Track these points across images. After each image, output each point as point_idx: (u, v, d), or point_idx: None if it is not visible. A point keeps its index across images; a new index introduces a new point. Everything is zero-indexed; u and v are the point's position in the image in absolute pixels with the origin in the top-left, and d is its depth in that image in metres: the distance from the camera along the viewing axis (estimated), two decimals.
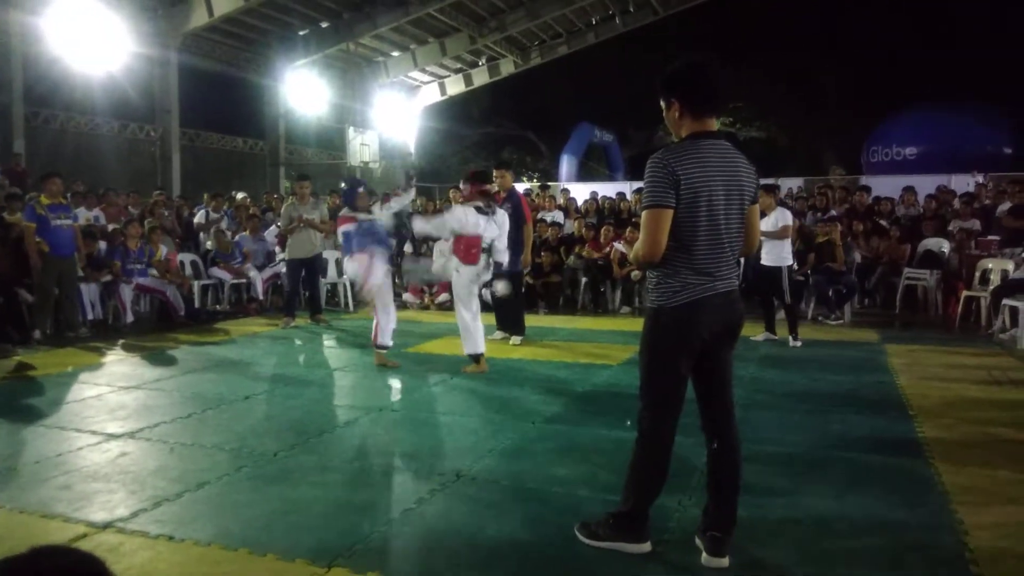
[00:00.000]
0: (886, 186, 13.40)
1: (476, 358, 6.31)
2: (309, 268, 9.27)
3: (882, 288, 10.31)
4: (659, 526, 3.04)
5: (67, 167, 11.20)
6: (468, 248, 6.08)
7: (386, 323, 6.62)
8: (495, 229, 6.24)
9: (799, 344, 7.51)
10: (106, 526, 3.17)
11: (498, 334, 7.89)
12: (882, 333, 8.28)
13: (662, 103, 2.84)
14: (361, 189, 6.80)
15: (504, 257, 6.47)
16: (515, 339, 7.79)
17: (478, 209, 6.10)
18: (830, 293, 9.31)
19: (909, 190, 12.03)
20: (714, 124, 2.81)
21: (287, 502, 3.45)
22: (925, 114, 18.99)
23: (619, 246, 10.22)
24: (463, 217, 6.04)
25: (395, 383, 6.12)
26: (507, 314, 7.90)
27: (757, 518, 3.19)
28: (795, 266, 8.36)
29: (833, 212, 11.40)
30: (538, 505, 3.43)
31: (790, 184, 15.98)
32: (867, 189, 12.05)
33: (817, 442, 4.38)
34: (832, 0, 24.62)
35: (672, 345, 2.78)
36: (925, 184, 12.95)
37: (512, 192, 7.78)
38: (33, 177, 10.93)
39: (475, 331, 6.25)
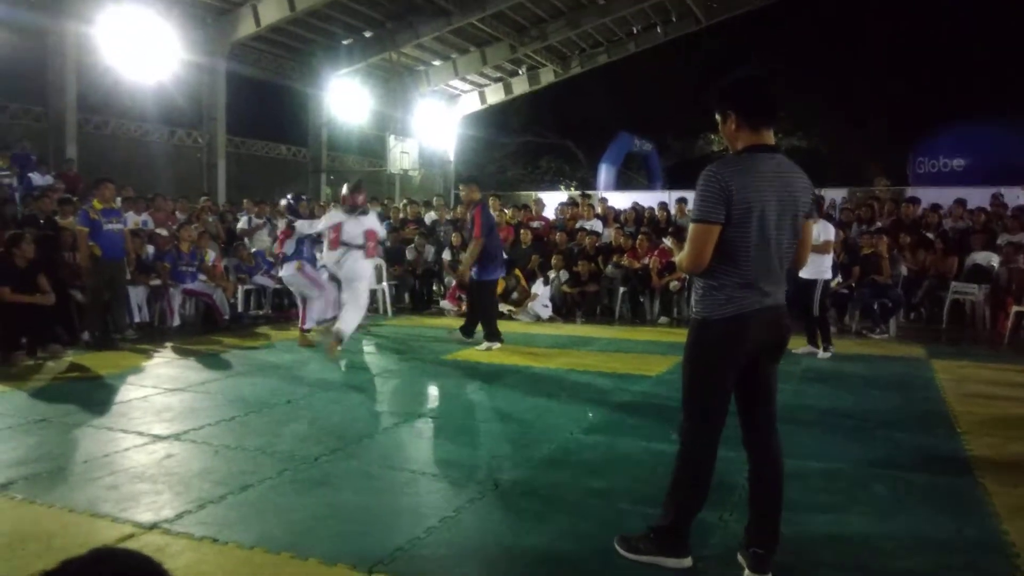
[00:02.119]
0: (932, 197, 13.11)
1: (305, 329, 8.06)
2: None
3: (929, 302, 10.09)
4: (700, 541, 3.01)
5: (117, 172, 11.49)
6: (334, 240, 7.61)
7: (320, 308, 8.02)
8: (357, 226, 7.62)
9: (829, 355, 7.39)
10: (152, 527, 3.25)
11: (484, 344, 7.97)
12: (929, 348, 8.10)
13: (717, 116, 2.81)
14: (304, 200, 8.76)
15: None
16: (494, 345, 7.97)
17: (346, 211, 7.68)
18: (875, 307, 9.14)
19: (959, 202, 11.76)
20: (771, 137, 2.77)
21: (329, 507, 3.49)
22: (973, 125, 18.53)
23: (668, 242, 9.88)
24: (326, 218, 7.92)
25: (434, 390, 6.16)
26: (482, 321, 8.18)
27: (800, 535, 3.14)
28: (839, 279, 8.22)
29: (879, 224, 11.20)
30: (577, 517, 3.42)
31: (833, 195, 15.72)
32: (915, 201, 11.81)
33: (862, 459, 4.29)
34: (877, 7, 24.22)
35: (717, 358, 2.76)
36: (973, 196, 12.64)
37: (479, 204, 8.00)
38: (85, 182, 11.25)
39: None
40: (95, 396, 5.82)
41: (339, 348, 7.29)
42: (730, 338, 2.72)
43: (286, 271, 8.05)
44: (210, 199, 13.43)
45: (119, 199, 9.87)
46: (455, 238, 11.41)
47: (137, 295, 8.99)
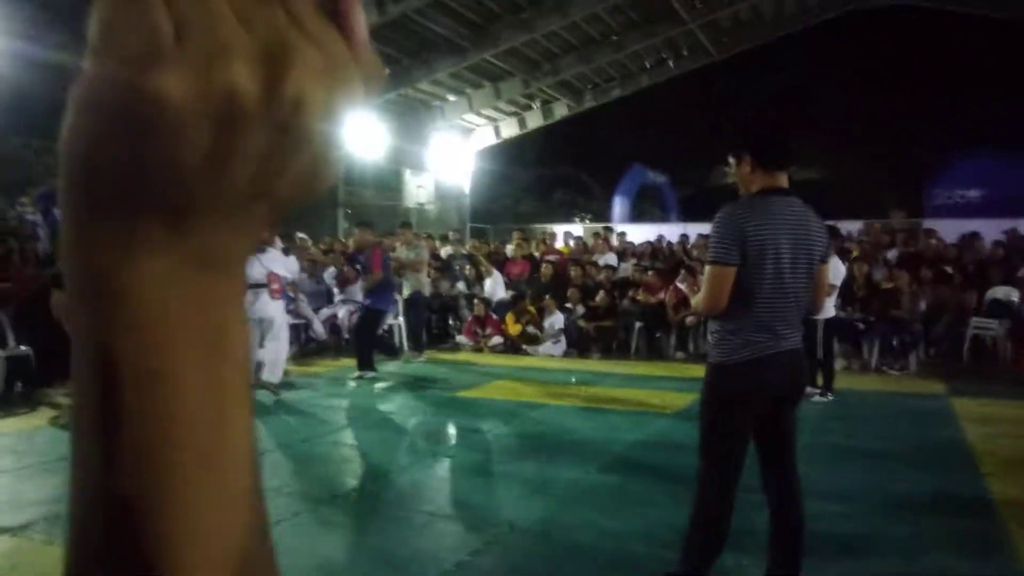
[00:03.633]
0: (948, 229, 13.04)
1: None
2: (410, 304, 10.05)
3: (949, 338, 9.98)
4: None
5: None
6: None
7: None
8: (260, 267, 6.98)
9: (827, 400, 7.11)
10: None
11: (356, 374, 8.26)
12: (949, 385, 7.99)
13: (731, 158, 2.84)
14: None
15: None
16: (367, 374, 8.22)
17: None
18: (894, 342, 9.05)
19: (975, 235, 11.70)
20: (785, 180, 2.79)
21: (343, 550, 3.49)
22: (989, 156, 18.50)
23: (683, 286, 9.96)
24: None
25: (449, 428, 6.15)
26: (358, 348, 8.52)
27: None
28: (852, 312, 8.12)
29: (893, 252, 11.13)
30: (592, 561, 3.40)
31: (848, 227, 15.67)
32: (932, 233, 11.76)
33: (881, 500, 4.24)
34: (888, 38, 24.35)
35: (733, 403, 2.75)
36: (990, 229, 12.55)
37: (375, 245, 8.60)
38: None
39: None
40: None
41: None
42: (746, 383, 2.71)
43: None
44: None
45: None
46: (469, 271, 11.55)
47: None
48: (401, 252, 9.97)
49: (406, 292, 9.98)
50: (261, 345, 7.11)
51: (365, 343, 8.47)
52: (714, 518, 2.82)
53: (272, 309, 7.12)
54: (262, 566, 0.31)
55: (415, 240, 10.36)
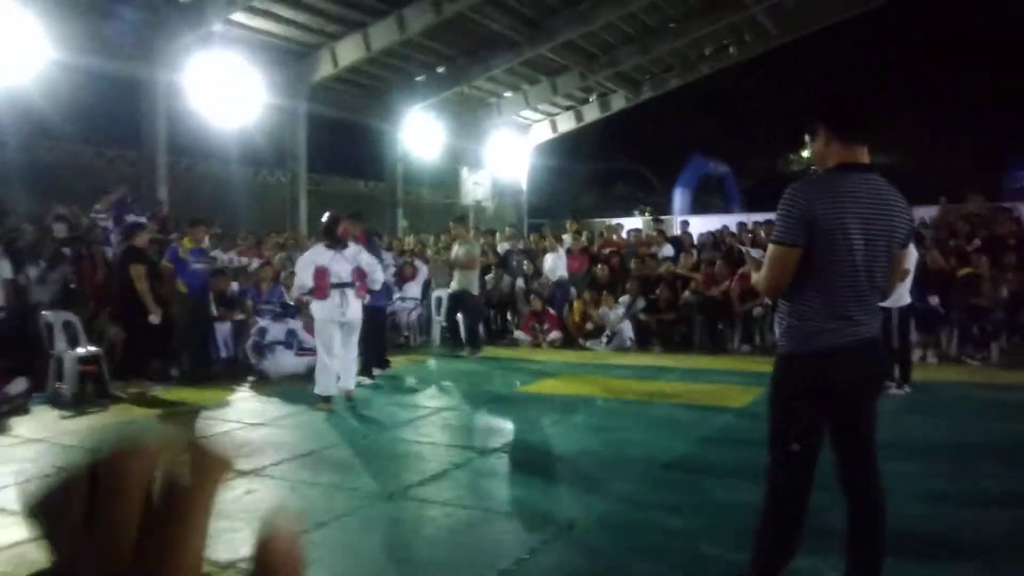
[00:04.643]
0: None
1: (324, 399, 6.45)
2: (450, 302, 9.95)
3: None
4: None
5: (204, 211, 11.95)
6: (320, 284, 6.34)
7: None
8: (345, 264, 6.45)
9: (903, 392, 6.75)
10: (228, 566, 3.25)
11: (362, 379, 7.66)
12: None
13: (807, 133, 2.63)
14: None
15: (376, 285, 6.85)
16: (376, 372, 8.00)
17: (327, 245, 6.47)
18: (975, 331, 8.59)
19: None
20: (865, 155, 2.54)
21: (399, 546, 3.44)
22: None
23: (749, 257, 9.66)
24: (308, 255, 6.61)
25: (508, 423, 6.08)
26: (365, 350, 7.70)
27: None
28: (929, 299, 7.72)
29: (977, 242, 10.57)
30: (657, 561, 3.26)
31: (922, 213, 14.98)
32: (1017, 219, 11.13)
33: (967, 499, 3.98)
34: (960, 15, 23.22)
35: (804, 396, 2.54)
36: None
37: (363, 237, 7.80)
38: (173, 221, 11.74)
39: (326, 371, 6.43)
40: None
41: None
42: (818, 374, 2.51)
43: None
44: (292, 235, 13.83)
45: (207, 239, 10.24)
46: (527, 267, 11.46)
47: (222, 331, 9.25)
48: (453, 249, 9.94)
49: (453, 288, 9.87)
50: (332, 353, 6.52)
51: (373, 343, 7.93)
52: (786, 518, 2.65)
53: (357, 310, 6.61)
54: None
55: (467, 236, 10.29)
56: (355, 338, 6.68)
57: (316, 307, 6.50)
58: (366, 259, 6.74)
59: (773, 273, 2.52)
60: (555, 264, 11.50)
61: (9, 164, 11.23)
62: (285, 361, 8.54)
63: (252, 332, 8.77)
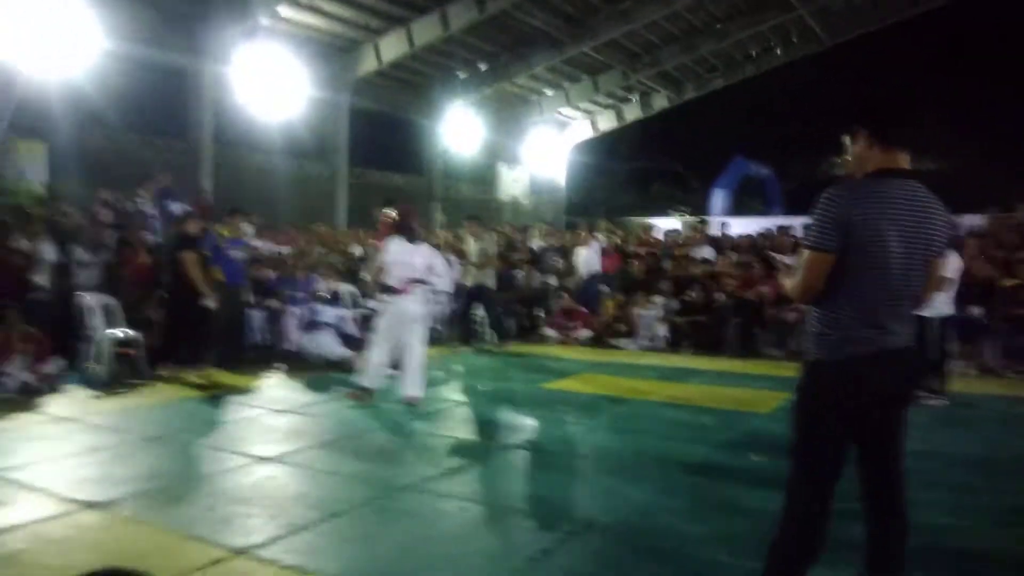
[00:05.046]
0: None
1: (365, 390, 6.42)
2: (471, 296, 10.02)
3: None
4: None
5: (247, 202, 12.13)
6: (400, 278, 6.29)
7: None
8: (420, 260, 6.41)
9: (940, 403, 6.52)
10: (241, 552, 3.30)
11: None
12: None
13: (846, 136, 2.55)
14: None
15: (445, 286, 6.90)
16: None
17: (407, 239, 6.41)
18: (1018, 343, 8.32)
19: None
20: (905, 161, 2.48)
21: (413, 539, 3.45)
22: None
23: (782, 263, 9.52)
24: (394, 247, 6.41)
25: (529, 421, 6.06)
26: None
27: None
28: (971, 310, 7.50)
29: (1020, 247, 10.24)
30: (672, 566, 3.22)
31: (970, 221, 14.57)
32: None
33: (998, 515, 3.85)
34: (1010, 20, 22.48)
35: (831, 406, 2.46)
36: None
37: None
38: (217, 210, 11.94)
39: (378, 363, 6.39)
40: (208, 416, 6.09)
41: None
42: (847, 383, 2.43)
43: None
44: (330, 228, 13.98)
45: (249, 228, 10.40)
46: (561, 264, 11.42)
47: (256, 318, 9.39)
48: (468, 245, 9.96)
49: (470, 283, 9.98)
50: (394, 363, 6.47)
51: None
52: (803, 532, 2.56)
53: (424, 307, 6.55)
54: None
55: (482, 233, 10.31)
56: (419, 338, 6.43)
57: (390, 300, 6.37)
58: (439, 261, 6.79)
59: (806, 278, 2.46)
60: (589, 258, 11.45)
61: (60, 151, 11.53)
62: (329, 344, 8.70)
63: (302, 310, 8.96)
